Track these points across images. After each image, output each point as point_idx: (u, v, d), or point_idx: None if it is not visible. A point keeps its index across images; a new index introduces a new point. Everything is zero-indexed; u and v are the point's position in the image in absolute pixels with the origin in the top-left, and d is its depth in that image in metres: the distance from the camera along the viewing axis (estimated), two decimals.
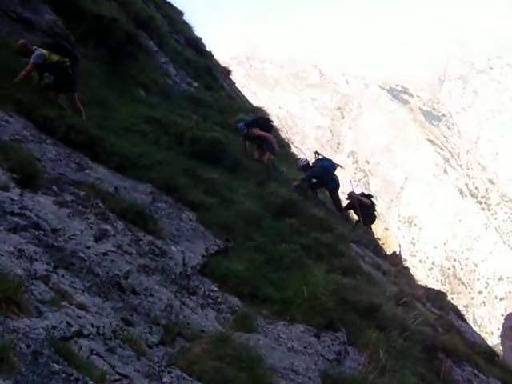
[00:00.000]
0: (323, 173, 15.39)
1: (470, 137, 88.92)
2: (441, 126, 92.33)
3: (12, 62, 10.81)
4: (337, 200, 16.03)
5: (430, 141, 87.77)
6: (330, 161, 16.03)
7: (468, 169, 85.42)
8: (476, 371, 11.16)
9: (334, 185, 15.59)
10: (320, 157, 16.16)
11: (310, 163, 15.92)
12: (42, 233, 6.14)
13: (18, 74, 10.50)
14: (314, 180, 15.54)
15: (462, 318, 16.00)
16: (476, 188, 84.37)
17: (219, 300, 7.51)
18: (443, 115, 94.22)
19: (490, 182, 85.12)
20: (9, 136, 8.32)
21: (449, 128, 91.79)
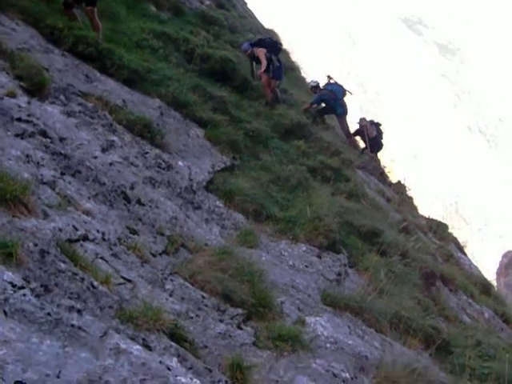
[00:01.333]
0: (332, 97, 15.18)
1: (484, 74, 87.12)
2: (454, 61, 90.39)
3: None
4: (345, 125, 15.87)
5: (442, 75, 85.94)
6: (341, 86, 15.76)
7: (478, 106, 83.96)
8: (471, 300, 11.39)
9: (342, 109, 15.39)
10: (332, 81, 15.88)
11: (320, 86, 15.67)
12: (49, 140, 6.13)
13: None
14: (323, 104, 15.36)
15: (461, 249, 16.16)
16: (485, 126, 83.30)
17: (224, 216, 7.58)
18: (458, 49, 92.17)
19: (500, 120, 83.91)
20: (15, 44, 8.16)
21: (462, 63, 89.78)
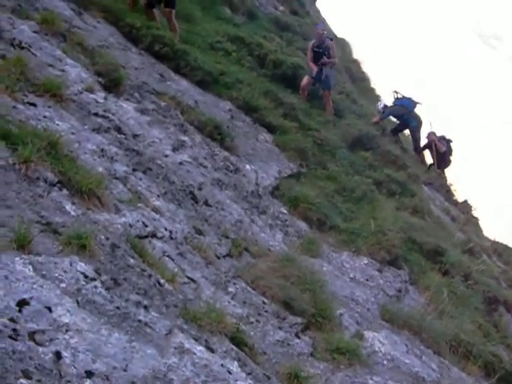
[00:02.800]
0: (404, 111, 14.93)
1: None
2: None
3: None
4: (416, 140, 15.49)
5: None
6: (410, 99, 15.45)
7: None
8: None
9: (416, 122, 15.07)
10: (399, 95, 15.60)
11: (388, 105, 15.43)
12: (123, 136, 6.27)
13: None
14: (395, 119, 15.15)
15: None
16: None
17: (287, 222, 7.57)
18: None
19: None
20: (96, 41, 8.38)
21: None
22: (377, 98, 16.93)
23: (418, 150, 15.53)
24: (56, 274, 3.23)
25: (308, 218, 8.01)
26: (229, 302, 4.72)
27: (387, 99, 15.99)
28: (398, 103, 15.10)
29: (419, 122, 15.07)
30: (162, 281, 3.98)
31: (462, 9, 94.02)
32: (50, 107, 5.63)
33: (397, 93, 15.50)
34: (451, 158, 16.22)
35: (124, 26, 9.76)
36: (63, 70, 6.68)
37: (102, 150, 5.59)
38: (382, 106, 15.35)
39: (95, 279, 3.40)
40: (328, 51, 13.03)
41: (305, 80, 12.61)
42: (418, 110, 15.13)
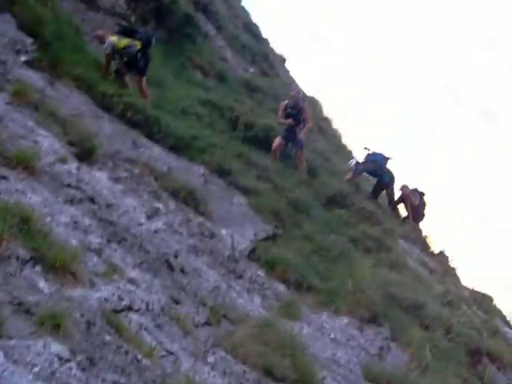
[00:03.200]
0: (376, 167, 15.12)
1: None
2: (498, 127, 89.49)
3: (74, 39, 10.98)
4: (390, 194, 15.60)
5: (487, 142, 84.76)
6: (381, 154, 15.65)
7: None
8: None
9: (389, 177, 15.22)
10: (370, 151, 15.80)
11: (360, 161, 15.61)
12: (97, 207, 6.26)
13: (79, 51, 10.73)
14: (368, 175, 15.32)
15: (507, 323, 15.61)
16: None
17: (265, 286, 7.53)
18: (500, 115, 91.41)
19: None
20: (68, 110, 8.46)
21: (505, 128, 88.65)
22: (349, 155, 17.14)
23: (393, 205, 15.65)
24: (29, 359, 3.15)
25: (286, 279, 7.99)
26: (209, 374, 4.63)
27: (359, 155, 16.22)
28: (370, 159, 15.30)
29: (392, 177, 15.26)
30: (139, 356, 3.91)
31: (431, 62, 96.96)
32: (22, 180, 5.62)
33: (367, 149, 15.72)
34: (425, 210, 16.39)
35: (96, 94, 9.87)
36: (35, 141, 6.70)
37: (76, 222, 5.56)
38: (353, 163, 15.53)
39: (70, 360, 3.32)
40: (301, 113, 13.17)
41: (276, 141, 12.72)
42: (389, 165, 15.36)
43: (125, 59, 11.08)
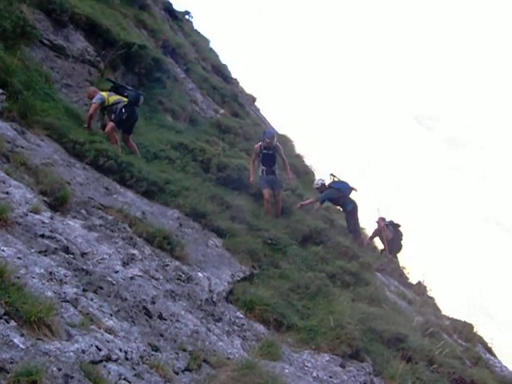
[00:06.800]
0: (340, 195, 15.20)
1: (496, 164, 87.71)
2: (464, 153, 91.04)
3: (44, 87, 11.02)
4: (354, 223, 15.49)
5: (453, 168, 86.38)
6: (346, 183, 15.73)
7: (492, 196, 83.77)
8: None
9: (352, 206, 15.24)
10: (336, 179, 15.87)
11: (326, 184, 15.67)
12: (72, 256, 6.20)
13: (49, 99, 10.83)
14: (330, 202, 15.41)
15: (489, 350, 15.63)
16: (502, 216, 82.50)
17: (245, 327, 7.48)
18: (468, 141, 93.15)
19: None
20: (40, 160, 8.45)
21: (472, 154, 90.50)
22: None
23: (358, 235, 15.47)
24: None
25: (265, 319, 7.95)
26: None
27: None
28: (335, 186, 15.40)
29: (355, 206, 15.31)
30: None
31: (400, 92, 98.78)
32: None
33: (334, 176, 15.83)
34: (401, 242, 16.52)
35: (67, 142, 9.91)
36: (7, 193, 6.68)
37: (51, 272, 5.50)
38: (319, 183, 15.61)
39: None
40: (277, 151, 13.18)
41: (266, 193, 12.68)
42: (353, 195, 15.46)
43: (112, 116, 11.36)
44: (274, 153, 13.10)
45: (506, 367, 14.81)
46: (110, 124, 11.34)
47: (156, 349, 5.49)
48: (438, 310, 15.99)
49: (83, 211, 7.79)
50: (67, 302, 5.21)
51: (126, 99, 11.60)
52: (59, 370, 3.80)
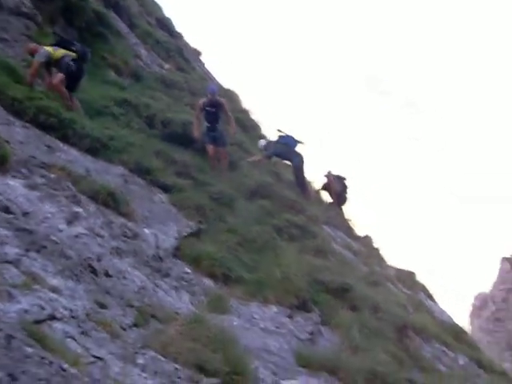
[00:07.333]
0: (286, 149, 15.24)
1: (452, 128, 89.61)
2: (420, 117, 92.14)
3: None
4: (300, 176, 15.48)
5: (409, 134, 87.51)
6: (292, 137, 15.71)
7: (448, 164, 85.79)
8: (445, 348, 11.39)
9: (298, 158, 15.27)
10: (282, 134, 15.83)
11: (272, 141, 15.66)
12: (13, 216, 6.05)
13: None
14: (277, 157, 15.45)
15: (430, 297, 16.26)
16: (456, 185, 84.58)
17: (193, 282, 7.53)
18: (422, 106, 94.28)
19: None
20: None
21: (427, 119, 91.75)
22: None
23: (304, 188, 15.53)
24: None
25: (213, 274, 8.02)
26: (139, 375, 4.59)
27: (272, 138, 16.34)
28: (281, 141, 15.45)
29: (301, 159, 15.39)
30: (64, 366, 3.82)
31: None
32: None
33: (280, 131, 15.87)
34: (346, 195, 16.79)
35: (5, 99, 9.53)
36: None
37: None
38: (264, 143, 15.64)
39: None
40: (221, 108, 13.12)
41: (210, 149, 12.76)
42: (299, 148, 15.54)
43: (63, 71, 10.84)
44: (217, 110, 13.03)
45: (444, 312, 15.45)
46: (59, 75, 10.85)
47: (102, 306, 5.46)
48: (383, 260, 16.44)
49: (24, 170, 7.56)
50: (9, 262, 5.11)
51: (73, 54, 11.03)
52: (0, 330, 3.75)
